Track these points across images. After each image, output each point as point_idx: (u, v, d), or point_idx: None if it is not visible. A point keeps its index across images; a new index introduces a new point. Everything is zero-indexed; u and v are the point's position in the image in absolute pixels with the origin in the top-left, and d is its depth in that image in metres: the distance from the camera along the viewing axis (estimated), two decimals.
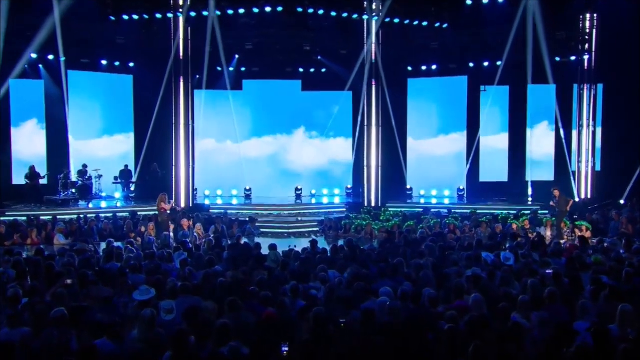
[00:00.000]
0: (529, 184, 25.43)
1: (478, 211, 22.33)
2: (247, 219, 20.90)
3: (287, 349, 6.97)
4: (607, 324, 7.64)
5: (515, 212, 21.85)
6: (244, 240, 16.36)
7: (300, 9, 21.87)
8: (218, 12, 21.80)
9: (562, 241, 17.29)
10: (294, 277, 10.69)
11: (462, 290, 9.64)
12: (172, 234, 18.00)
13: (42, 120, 25.02)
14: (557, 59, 24.87)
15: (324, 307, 8.74)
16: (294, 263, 12.31)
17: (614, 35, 24.41)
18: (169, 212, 19.23)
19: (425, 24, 23.75)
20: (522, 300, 8.75)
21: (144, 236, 17.54)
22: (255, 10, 21.79)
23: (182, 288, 9.55)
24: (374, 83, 24.39)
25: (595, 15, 25.09)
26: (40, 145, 24.96)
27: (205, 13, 21.90)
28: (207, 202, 25.78)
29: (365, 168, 24.84)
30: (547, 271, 11.27)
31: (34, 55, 23.57)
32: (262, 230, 20.98)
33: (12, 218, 20.32)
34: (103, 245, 16.05)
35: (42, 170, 23.82)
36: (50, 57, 23.98)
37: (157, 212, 19.35)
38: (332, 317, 8.18)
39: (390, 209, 23.58)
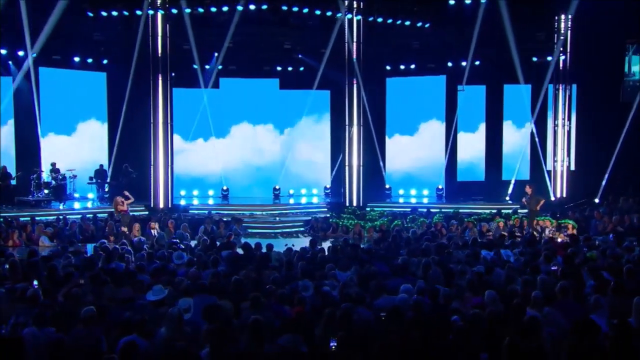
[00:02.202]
0: (511, 183, 25.63)
1: (460, 210, 22.52)
2: (231, 219, 20.66)
3: (335, 344, 6.93)
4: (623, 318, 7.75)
5: (495, 211, 22.03)
6: (233, 240, 16.24)
7: (285, 7, 21.65)
8: (201, 10, 21.51)
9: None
10: (306, 275, 10.59)
11: (475, 287, 9.68)
12: (155, 234, 17.84)
13: (11, 118, 24.28)
14: (535, 59, 25.17)
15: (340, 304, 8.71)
16: (297, 262, 12.19)
17: (587, 37, 24.85)
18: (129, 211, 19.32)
19: (407, 23, 23.77)
20: (535, 295, 8.79)
21: (130, 237, 17.25)
22: (239, 8, 21.54)
23: (199, 287, 9.44)
24: (354, 82, 24.29)
25: (570, 16, 25.42)
26: (9, 144, 24.21)
27: (187, 10, 21.53)
28: (182, 202, 25.40)
29: (347, 167, 24.76)
30: (552, 267, 11.45)
31: (3, 51, 23.03)
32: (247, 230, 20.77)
33: None
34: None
35: (12, 170, 23.25)
36: (21, 53, 23.42)
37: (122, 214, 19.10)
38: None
39: (375, 209, 23.57)
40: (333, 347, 7.08)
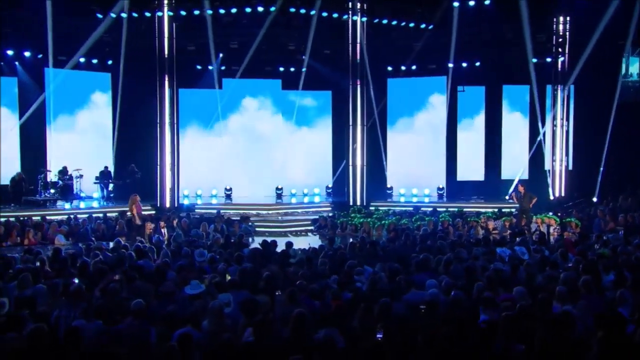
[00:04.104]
0: (514, 182, 25.86)
1: (463, 209, 22.89)
2: (239, 218, 20.90)
3: (381, 335, 7.18)
4: None
5: (497, 209, 22.40)
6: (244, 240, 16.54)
7: (292, 9, 21.90)
8: (210, 11, 21.71)
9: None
10: (333, 272, 10.87)
11: (502, 282, 9.98)
12: (165, 233, 18.15)
13: (17, 118, 24.34)
14: (534, 60, 25.54)
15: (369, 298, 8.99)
16: (317, 260, 12.43)
17: (584, 38, 25.18)
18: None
19: (412, 25, 24.07)
20: (559, 290, 9.07)
21: (145, 235, 17.50)
22: (248, 9, 21.77)
23: (230, 283, 9.69)
24: (358, 83, 24.56)
25: (568, 18, 25.78)
26: (15, 144, 24.28)
27: (196, 12, 21.75)
28: (186, 201, 25.53)
29: (351, 167, 25.02)
30: (569, 264, 11.79)
31: (10, 52, 23.23)
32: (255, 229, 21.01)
33: None
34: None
35: (17, 169, 23.48)
36: (27, 54, 23.60)
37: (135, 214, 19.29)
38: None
39: (379, 208, 23.85)
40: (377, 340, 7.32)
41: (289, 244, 13.98)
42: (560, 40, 25.96)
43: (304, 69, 26.01)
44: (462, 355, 7.01)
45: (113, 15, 21.69)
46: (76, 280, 10.11)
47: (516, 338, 7.51)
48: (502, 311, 8.22)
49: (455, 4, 23.53)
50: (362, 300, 8.76)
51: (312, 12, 22.60)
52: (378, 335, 7.41)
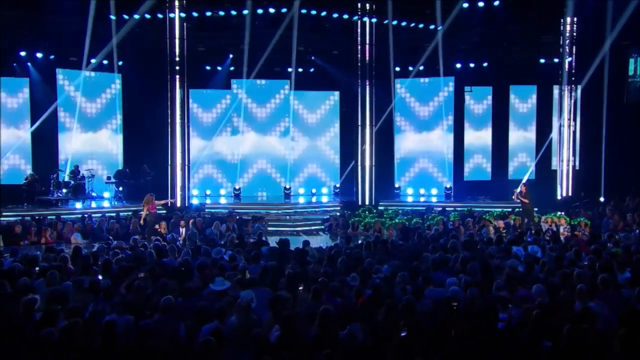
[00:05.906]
0: (523, 181, 26.00)
1: (472, 209, 23.03)
2: (251, 218, 21.08)
3: (404, 334, 7.32)
4: None
5: (510, 209, 22.52)
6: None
7: (304, 11, 22.08)
8: (222, 13, 21.90)
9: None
10: (349, 270, 11.02)
11: (520, 280, 10.13)
12: (182, 232, 18.37)
13: (28, 119, 24.50)
14: (542, 60, 25.68)
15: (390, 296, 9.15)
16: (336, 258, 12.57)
17: (592, 39, 25.35)
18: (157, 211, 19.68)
19: (421, 26, 24.23)
20: (580, 288, 9.20)
21: (160, 234, 17.68)
22: (259, 11, 21.94)
23: (251, 280, 9.89)
24: (367, 83, 24.70)
25: (576, 19, 25.92)
26: (27, 144, 24.46)
27: (208, 13, 21.92)
28: (195, 201, 25.66)
29: (359, 167, 25.19)
30: (584, 262, 11.93)
31: (22, 53, 23.43)
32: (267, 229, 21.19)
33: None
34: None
35: (28, 169, 23.71)
36: (39, 55, 23.77)
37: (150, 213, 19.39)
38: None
39: (388, 208, 24.00)
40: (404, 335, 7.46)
41: (306, 243, 14.14)
42: (568, 41, 26.07)
43: (311, 69, 26.24)
44: (490, 352, 7.16)
45: (131, 17, 21.78)
46: (100, 278, 10.23)
47: (541, 335, 7.68)
48: (522, 309, 8.40)
49: (464, 6, 23.65)
50: (384, 297, 8.93)
51: (323, 14, 22.65)
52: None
